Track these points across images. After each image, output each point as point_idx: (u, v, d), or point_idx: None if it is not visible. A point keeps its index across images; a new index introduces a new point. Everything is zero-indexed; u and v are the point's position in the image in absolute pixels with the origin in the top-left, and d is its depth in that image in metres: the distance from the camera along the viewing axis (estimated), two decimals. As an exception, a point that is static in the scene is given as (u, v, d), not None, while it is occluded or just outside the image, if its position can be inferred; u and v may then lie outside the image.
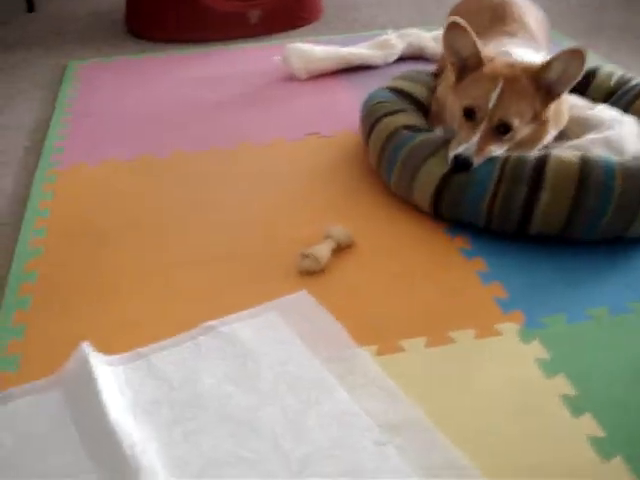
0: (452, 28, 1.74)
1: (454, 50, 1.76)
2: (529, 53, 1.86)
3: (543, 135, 1.73)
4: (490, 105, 1.67)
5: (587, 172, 1.56)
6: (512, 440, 1.17)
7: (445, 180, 1.67)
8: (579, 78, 1.66)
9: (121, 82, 2.71)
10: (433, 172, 1.69)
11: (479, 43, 1.74)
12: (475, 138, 1.66)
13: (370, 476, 1.11)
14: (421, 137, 1.77)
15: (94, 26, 3.40)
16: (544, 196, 1.58)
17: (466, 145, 1.66)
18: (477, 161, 1.65)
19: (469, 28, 1.72)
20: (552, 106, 1.71)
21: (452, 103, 1.80)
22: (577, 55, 1.62)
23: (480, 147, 1.66)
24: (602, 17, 3.35)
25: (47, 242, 1.72)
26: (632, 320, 1.43)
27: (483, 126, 1.67)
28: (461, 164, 1.65)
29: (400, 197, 1.82)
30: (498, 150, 1.67)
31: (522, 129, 1.68)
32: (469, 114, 1.71)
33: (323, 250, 1.58)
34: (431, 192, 1.70)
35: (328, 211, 1.81)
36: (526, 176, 1.59)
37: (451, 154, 1.68)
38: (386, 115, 1.88)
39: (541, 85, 1.67)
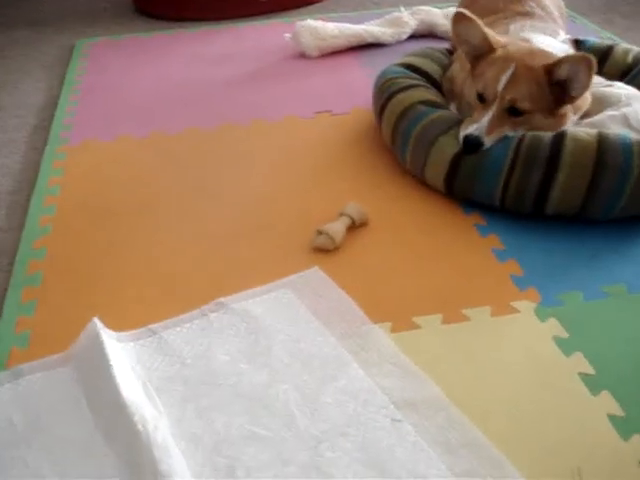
0: (459, 19, 1.72)
1: (464, 40, 1.74)
2: (548, 39, 1.83)
3: (561, 126, 1.68)
4: (500, 86, 1.64)
5: (604, 152, 1.53)
6: (530, 418, 1.16)
7: (457, 160, 1.65)
8: (590, 86, 1.62)
9: (130, 60, 2.69)
10: (445, 151, 1.67)
11: (488, 31, 1.72)
12: (486, 118, 1.64)
13: (386, 453, 1.09)
14: (435, 114, 1.75)
15: (102, 5, 3.38)
16: (560, 177, 1.55)
17: (476, 125, 1.64)
18: (488, 141, 1.63)
19: (475, 17, 1.70)
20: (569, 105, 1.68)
21: (469, 90, 1.78)
22: (584, 61, 1.57)
23: (491, 128, 1.63)
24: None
25: (56, 219, 1.70)
26: (650, 298, 1.41)
27: (494, 107, 1.65)
28: (471, 144, 1.63)
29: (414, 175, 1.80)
30: (510, 132, 1.64)
31: (536, 117, 1.65)
32: (481, 98, 1.69)
33: (338, 227, 1.57)
34: (444, 172, 1.67)
35: (342, 189, 1.79)
36: (542, 157, 1.56)
37: (462, 134, 1.65)
38: (400, 91, 1.85)
39: (553, 80, 1.63)
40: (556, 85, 1.63)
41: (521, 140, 1.60)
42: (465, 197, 1.69)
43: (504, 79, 1.64)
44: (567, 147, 1.55)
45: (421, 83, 1.89)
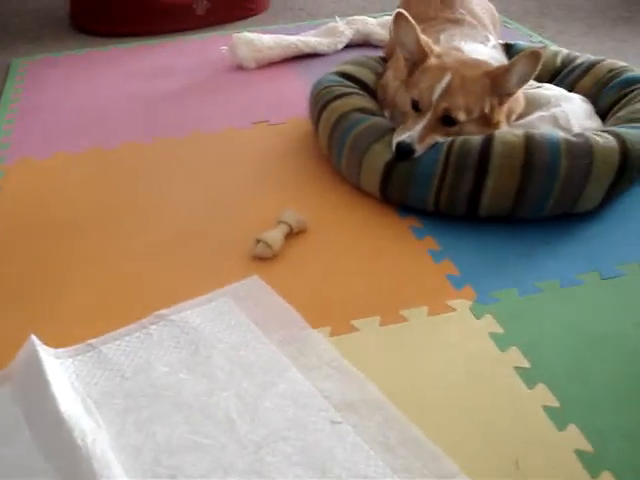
0: (398, 19, 1.73)
1: (402, 43, 1.76)
2: (478, 47, 1.85)
3: (493, 130, 1.70)
4: (435, 96, 1.65)
5: (532, 153, 1.56)
6: (468, 413, 1.18)
7: (390, 167, 1.66)
8: (533, 77, 1.66)
9: (67, 77, 2.67)
10: (378, 158, 1.68)
11: (423, 37, 1.73)
12: (419, 127, 1.65)
13: (326, 454, 1.10)
14: (367, 122, 1.76)
15: (38, 22, 3.34)
16: (490, 182, 1.57)
17: (409, 133, 1.65)
18: (419, 149, 1.64)
19: (412, 20, 1.71)
20: (505, 106, 1.71)
21: (402, 99, 1.79)
22: (536, 56, 1.60)
23: (423, 136, 1.65)
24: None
25: (-7, 238, 1.68)
26: (581, 291, 1.45)
27: (428, 116, 1.66)
28: (403, 151, 1.64)
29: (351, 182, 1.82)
30: (441, 140, 1.66)
31: (469, 126, 1.67)
32: (416, 106, 1.70)
33: (275, 235, 1.57)
34: (378, 179, 1.69)
35: (281, 197, 1.80)
36: (471, 163, 1.58)
37: (394, 141, 1.67)
38: (334, 99, 1.87)
39: (497, 88, 1.66)
40: (498, 90, 1.66)
41: (451, 146, 1.62)
42: (400, 203, 1.71)
43: (439, 89, 1.65)
44: (495, 151, 1.57)
45: (355, 91, 1.92)
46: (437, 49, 1.76)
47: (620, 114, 1.79)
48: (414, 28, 1.72)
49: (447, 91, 1.65)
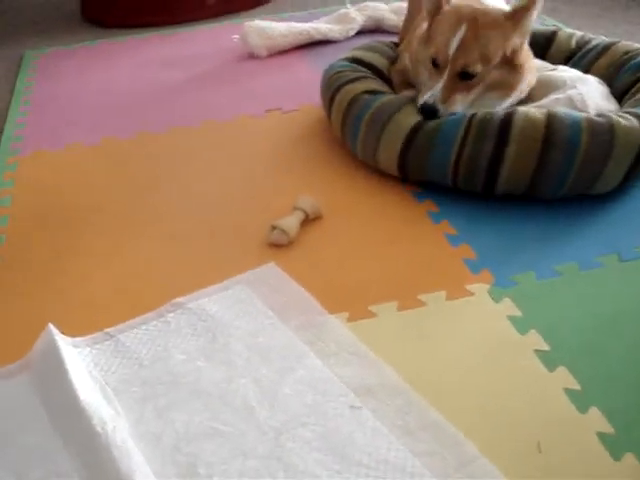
0: None
1: None
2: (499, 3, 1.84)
3: (518, 81, 1.72)
4: (450, 52, 1.66)
5: (553, 128, 1.55)
6: (489, 397, 1.17)
7: (414, 133, 1.65)
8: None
9: (80, 69, 2.67)
10: (401, 126, 1.67)
11: None
12: (439, 85, 1.66)
13: (346, 440, 1.09)
14: (386, 98, 1.76)
15: (50, 15, 3.35)
16: (510, 153, 1.56)
17: (431, 92, 1.66)
18: (444, 109, 1.65)
19: None
20: (525, 49, 1.70)
21: (424, 55, 1.78)
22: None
23: (445, 94, 1.66)
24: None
25: (9, 230, 1.68)
26: (600, 274, 1.43)
27: (446, 73, 1.66)
28: (427, 112, 1.65)
29: (367, 165, 1.80)
30: (466, 97, 1.68)
31: (492, 73, 1.67)
32: (434, 63, 1.70)
33: (291, 222, 1.57)
34: (397, 152, 1.68)
35: (295, 183, 1.79)
36: (492, 133, 1.57)
37: (419, 103, 1.67)
38: (347, 83, 1.86)
39: (520, 28, 1.66)
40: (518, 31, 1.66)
41: (472, 117, 1.61)
42: (418, 178, 1.70)
43: (455, 43, 1.65)
44: (517, 122, 1.56)
45: (368, 75, 1.90)
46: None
47: (639, 96, 1.77)
48: None
49: (463, 44, 1.65)
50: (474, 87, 1.68)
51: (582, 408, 1.14)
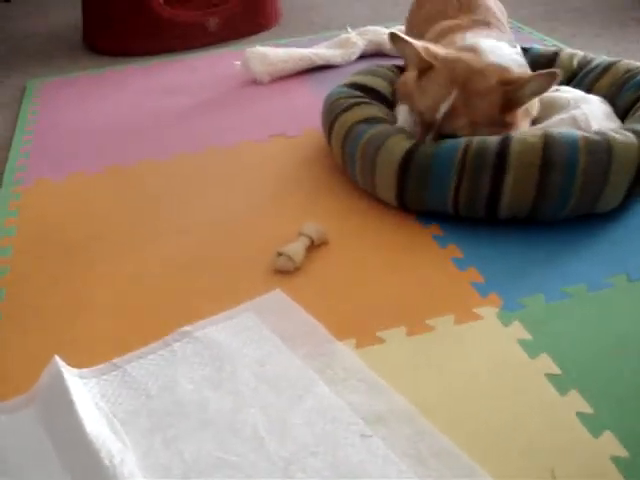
0: (393, 40, 1.72)
1: (405, 56, 1.77)
2: (500, 46, 1.80)
3: (510, 132, 1.68)
4: (438, 117, 1.64)
5: (550, 150, 1.54)
6: (500, 423, 1.16)
7: (406, 162, 1.63)
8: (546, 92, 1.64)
9: (83, 98, 2.67)
10: (391, 155, 1.66)
11: (422, 49, 1.70)
12: (428, 139, 1.66)
13: (357, 469, 1.08)
14: (374, 130, 1.74)
15: (53, 44, 3.36)
16: (509, 180, 1.55)
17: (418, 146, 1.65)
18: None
19: (406, 37, 1.71)
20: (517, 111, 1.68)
21: (415, 102, 1.76)
22: (552, 77, 1.58)
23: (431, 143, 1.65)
24: (560, 2, 3.37)
25: (14, 260, 1.68)
26: (610, 295, 1.42)
27: (433, 132, 1.66)
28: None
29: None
30: None
31: (480, 131, 1.64)
32: (423, 118, 1.69)
33: (297, 248, 1.56)
34: (393, 180, 1.66)
35: (300, 209, 1.79)
36: (489, 163, 1.56)
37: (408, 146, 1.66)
38: (343, 112, 1.85)
39: (508, 98, 1.62)
40: (508, 99, 1.63)
41: (467, 148, 1.59)
42: (418, 208, 1.69)
43: (443, 108, 1.63)
44: (513, 149, 1.55)
45: (364, 100, 1.90)
46: (443, 54, 1.71)
47: (639, 114, 1.76)
48: (410, 44, 1.70)
49: (452, 110, 1.63)
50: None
51: (595, 432, 1.12)
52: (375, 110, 1.85)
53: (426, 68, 1.71)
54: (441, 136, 1.65)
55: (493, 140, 1.59)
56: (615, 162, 1.54)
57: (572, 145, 1.54)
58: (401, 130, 1.73)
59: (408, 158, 1.64)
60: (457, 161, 1.59)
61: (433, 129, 1.66)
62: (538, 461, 1.09)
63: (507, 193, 1.57)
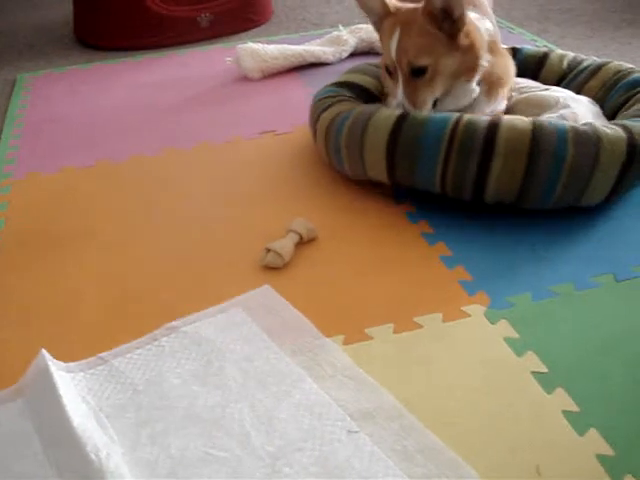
0: None
1: (368, 9, 1.78)
2: (482, 20, 1.82)
3: (474, 60, 1.72)
4: (393, 55, 1.68)
5: (539, 138, 1.54)
6: (487, 420, 1.16)
7: (395, 132, 1.64)
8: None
9: (73, 92, 2.67)
10: (380, 126, 1.66)
11: None
12: (399, 91, 1.68)
13: (343, 465, 1.08)
14: (358, 109, 1.76)
15: (44, 38, 3.35)
16: (496, 166, 1.56)
17: (395, 101, 1.69)
18: (415, 111, 1.67)
19: None
20: (469, 31, 1.70)
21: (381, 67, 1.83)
22: None
23: (409, 97, 1.68)
24: (551, 3, 3.38)
25: (1, 253, 1.67)
26: (596, 294, 1.43)
27: (400, 77, 1.69)
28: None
29: (361, 187, 1.80)
30: (431, 93, 1.70)
31: (442, 62, 1.68)
32: (388, 71, 1.74)
33: (286, 244, 1.56)
34: (383, 152, 1.66)
35: (290, 205, 1.79)
36: (477, 149, 1.57)
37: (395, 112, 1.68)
38: (324, 110, 1.86)
39: (434, 16, 1.65)
40: (438, 18, 1.65)
41: (455, 127, 1.59)
42: (408, 182, 1.68)
43: (394, 45, 1.68)
44: (501, 136, 1.56)
45: (346, 97, 1.91)
46: (396, 4, 1.76)
47: (626, 112, 1.78)
48: None
49: (400, 45, 1.67)
50: (433, 80, 1.69)
51: (581, 430, 1.13)
52: (355, 105, 1.85)
53: (382, 20, 1.77)
54: (412, 79, 1.68)
55: (482, 122, 1.59)
56: (603, 154, 1.55)
57: (561, 135, 1.55)
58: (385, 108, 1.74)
59: (397, 128, 1.64)
60: (446, 138, 1.59)
61: (399, 73, 1.69)
62: (523, 458, 1.09)
63: (494, 178, 1.57)
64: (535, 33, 2.98)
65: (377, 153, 1.68)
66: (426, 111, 1.69)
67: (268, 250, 1.55)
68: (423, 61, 1.66)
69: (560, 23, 3.11)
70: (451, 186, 1.63)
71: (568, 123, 1.60)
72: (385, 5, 1.74)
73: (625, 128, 1.60)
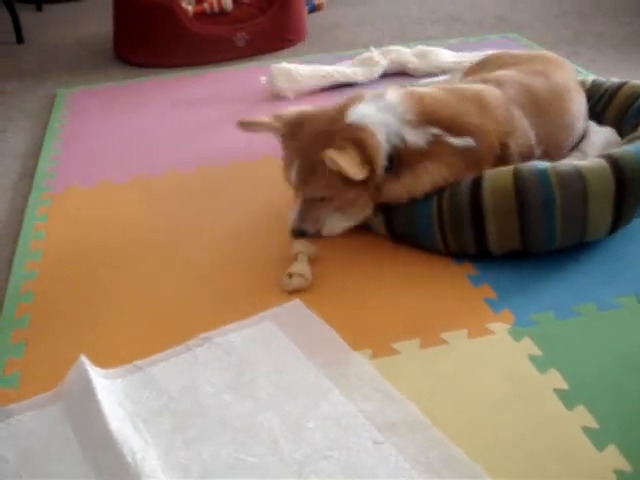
0: (241, 127, 1.77)
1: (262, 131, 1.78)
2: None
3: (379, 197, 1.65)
4: (293, 183, 1.67)
5: (523, 190, 1.53)
6: (508, 434, 1.20)
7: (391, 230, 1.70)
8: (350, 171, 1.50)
9: (110, 108, 2.73)
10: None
11: (261, 119, 1.76)
12: (298, 208, 1.68)
13: (369, 474, 1.12)
14: None
15: (83, 54, 3.43)
16: (490, 227, 1.56)
17: (293, 216, 1.69)
18: (311, 228, 1.69)
19: (252, 119, 1.78)
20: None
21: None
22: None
23: (307, 215, 1.68)
24: (584, 25, 3.41)
25: (43, 264, 1.74)
26: (618, 314, 1.46)
27: (300, 199, 1.68)
28: (297, 234, 1.68)
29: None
30: (329, 215, 1.69)
31: (344, 193, 1.61)
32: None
33: (304, 266, 1.60)
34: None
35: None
36: (466, 217, 1.58)
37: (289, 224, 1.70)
38: None
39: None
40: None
41: (440, 202, 1.61)
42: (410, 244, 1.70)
43: (293, 175, 1.65)
44: (486, 198, 1.56)
45: None
46: (290, 117, 1.73)
47: (632, 135, 1.75)
48: (259, 123, 1.76)
49: (299, 177, 1.64)
50: (330, 205, 1.66)
51: (600, 446, 1.16)
52: None
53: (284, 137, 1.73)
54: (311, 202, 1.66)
55: (464, 190, 1.59)
56: (590, 188, 1.53)
57: (543, 180, 1.54)
58: None
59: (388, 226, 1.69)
60: (435, 219, 1.61)
61: (299, 195, 1.68)
62: (544, 473, 1.13)
63: (492, 237, 1.58)
64: (565, 56, 3.00)
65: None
66: (325, 230, 1.71)
67: (290, 275, 1.58)
68: (325, 194, 1.63)
69: (591, 46, 3.14)
70: (456, 249, 1.64)
71: (547, 165, 1.57)
72: (274, 128, 1.72)
73: (609, 158, 1.58)
